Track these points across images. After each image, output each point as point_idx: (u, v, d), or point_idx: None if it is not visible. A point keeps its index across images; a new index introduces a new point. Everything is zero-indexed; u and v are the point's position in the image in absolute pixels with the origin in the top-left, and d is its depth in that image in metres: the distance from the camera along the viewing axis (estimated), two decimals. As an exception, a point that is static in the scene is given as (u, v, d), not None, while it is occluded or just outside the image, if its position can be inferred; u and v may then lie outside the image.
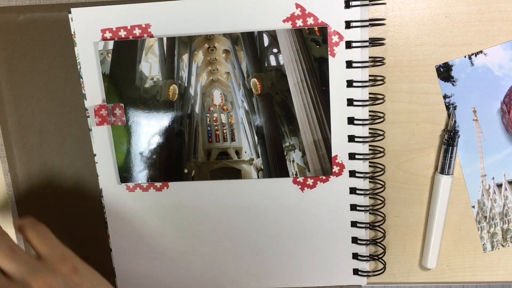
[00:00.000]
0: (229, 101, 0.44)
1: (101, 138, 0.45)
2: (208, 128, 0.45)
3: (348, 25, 0.41)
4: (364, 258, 0.46)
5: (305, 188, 0.45)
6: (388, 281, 0.49)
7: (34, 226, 0.38)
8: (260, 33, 0.42)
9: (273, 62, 0.42)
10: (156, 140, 0.44)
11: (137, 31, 0.42)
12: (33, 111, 0.45)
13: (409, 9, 0.43)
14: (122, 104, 0.44)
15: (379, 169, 0.44)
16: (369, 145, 0.44)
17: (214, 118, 0.44)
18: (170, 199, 0.46)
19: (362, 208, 0.45)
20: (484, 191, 0.46)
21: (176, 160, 0.45)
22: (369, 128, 0.44)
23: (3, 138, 0.46)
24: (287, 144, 0.44)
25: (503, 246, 0.47)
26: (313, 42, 0.41)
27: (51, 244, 0.38)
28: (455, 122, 0.44)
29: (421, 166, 0.46)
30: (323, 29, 0.41)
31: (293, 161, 0.44)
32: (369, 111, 0.43)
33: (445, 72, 0.44)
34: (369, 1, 0.41)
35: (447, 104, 0.44)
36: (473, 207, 0.47)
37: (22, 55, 0.44)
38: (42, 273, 0.35)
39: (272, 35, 0.42)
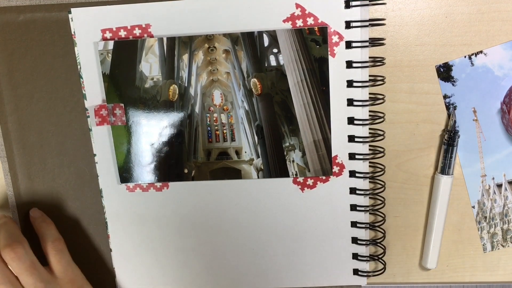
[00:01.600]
0: (229, 101, 0.44)
1: (101, 138, 0.45)
2: (208, 128, 0.45)
3: (348, 25, 0.41)
4: (364, 258, 0.46)
5: (305, 188, 0.45)
6: (388, 281, 0.49)
7: (55, 242, 0.44)
8: (260, 33, 0.42)
9: (273, 62, 0.42)
10: (156, 140, 0.44)
11: (137, 31, 0.42)
12: (33, 111, 0.45)
13: (409, 9, 0.43)
14: (122, 104, 0.44)
15: (379, 169, 0.44)
16: (369, 145, 0.44)
17: (214, 118, 0.44)
18: (170, 199, 0.46)
19: (362, 208, 0.45)
20: (484, 191, 0.46)
21: (176, 160, 0.45)
22: (369, 128, 0.44)
23: (3, 138, 0.46)
24: (287, 144, 0.44)
25: (503, 246, 0.47)
26: (313, 42, 0.41)
27: (65, 264, 0.44)
28: (455, 122, 0.44)
29: (421, 166, 0.46)
30: (323, 29, 0.41)
31: (293, 161, 0.44)
32: (369, 111, 0.43)
33: (445, 72, 0.44)
34: (369, 1, 0.41)
35: (447, 104, 0.44)
36: (473, 207, 0.47)
37: (22, 55, 0.44)
38: None
39: (272, 35, 0.42)
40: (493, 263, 0.48)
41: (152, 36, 0.42)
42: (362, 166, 0.44)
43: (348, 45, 0.41)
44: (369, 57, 0.42)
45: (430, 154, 0.45)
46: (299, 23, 0.41)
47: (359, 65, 0.41)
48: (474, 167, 0.46)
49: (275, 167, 0.44)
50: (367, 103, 0.42)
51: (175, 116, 0.44)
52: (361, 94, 0.42)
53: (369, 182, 0.45)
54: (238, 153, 0.45)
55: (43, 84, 0.44)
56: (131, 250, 0.48)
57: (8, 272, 0.41)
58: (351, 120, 0.43)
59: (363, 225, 0.45)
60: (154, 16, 0.42)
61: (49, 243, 0.44)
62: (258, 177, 0.45)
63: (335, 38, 0.41)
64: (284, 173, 0.44)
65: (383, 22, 0.42)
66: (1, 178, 0.47)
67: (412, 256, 0.48)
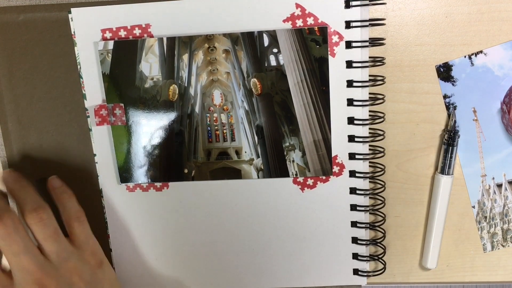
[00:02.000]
0: (229, 101, 0.44)
1: (101, 138, 0.45)
2: (208, 128, 0.45)
3: (348, 25, 0.41)
4: (364, 258, 0.46)
5: (305, 188, 0.45)
6: (388, 281, 0.49)
7: (78, 213, 0.43)
8: (260, 33, 0.42)
9: (273, 62, 0.42)
10: (156, 140, 0.44)
11: (137, 31, 0.42)
12: (33, 111, 0.45)
13: (409, 9, 0.43)
14: (122, 104, 0.44)
15: (379, 169, 0.44)
16: (369, 145, 0.44)
17: (214, 118, 0.44)
18: (170, 199, 0.46)
19: (362, 208, 0.45)
20: (484, 191, 0.46)
21: (176, 160, 0.45)
22: (369, 128, 0.44)
23: (3, 138, 0.46)
24: (287, 144, 0.44)
25: (503, 246, 0.47)
26: (313, 42, 0.41)
27: (87, 236, 0.43)
28: (455, 122, 0.44)
29: (421, 166, 0.46)
30: (323, 29, 0.41)
31: (293, 161, 0.44)
32: (369, 111, 0.43)
33: (445, 72, 0.44)
34: (369, 1, 0.41)
35: (447, 104, 0.44)
36: (473, 207, 0.47)
37: (22, 55, 0.44)
38: (74, 259, 0.41)
39: (272, 35, 0.42)
40: (493, 263, 0.48)
41: (152, 36, 0.42)
42: (362, 166, 0.44)
43: (348, 45, 0.41)
44: (369, 57, 0.42)
45: (430, 154, 0.45)
46: (299, 23, 0.41)
47: (359, 65, 0.41)
48: (474, 167, 0.46)
49: (275, 167, 0.44)
50: (367, 103, 0.42)
51: (175, 116, 0.44)
52: (361, 94, 0.42)
53: (369, 182, 0.45)
54: (238, 153, 0.45)
55: (43, 84, 0.44)
56: (131, 250, 0.48)
57: (30, 242, 0.39)
58: (351, 120, 0.43)
59: (363, 225, 0.45)
60: (154, 16, 0.42)
61: (72, 214, 0.42)
62: (258, 177, 0.45)
63: (335, 38, 0.41)
64: (284, 173, 0.44)
65: (383, 22, 0.42)
66: (1, 178, 0.47)
67: (412, 256, 0.48)
